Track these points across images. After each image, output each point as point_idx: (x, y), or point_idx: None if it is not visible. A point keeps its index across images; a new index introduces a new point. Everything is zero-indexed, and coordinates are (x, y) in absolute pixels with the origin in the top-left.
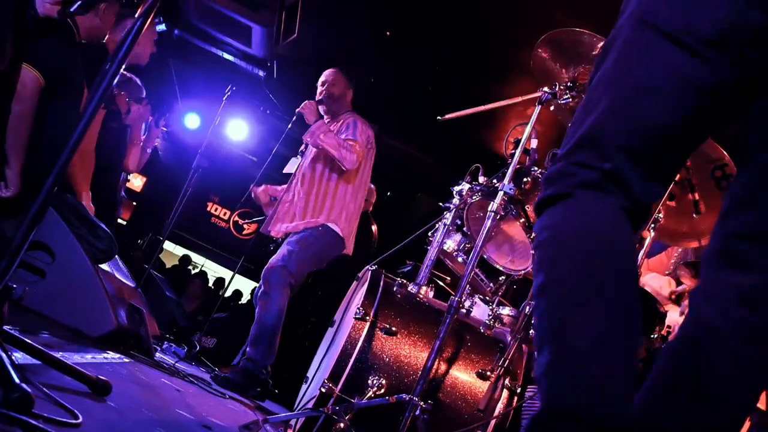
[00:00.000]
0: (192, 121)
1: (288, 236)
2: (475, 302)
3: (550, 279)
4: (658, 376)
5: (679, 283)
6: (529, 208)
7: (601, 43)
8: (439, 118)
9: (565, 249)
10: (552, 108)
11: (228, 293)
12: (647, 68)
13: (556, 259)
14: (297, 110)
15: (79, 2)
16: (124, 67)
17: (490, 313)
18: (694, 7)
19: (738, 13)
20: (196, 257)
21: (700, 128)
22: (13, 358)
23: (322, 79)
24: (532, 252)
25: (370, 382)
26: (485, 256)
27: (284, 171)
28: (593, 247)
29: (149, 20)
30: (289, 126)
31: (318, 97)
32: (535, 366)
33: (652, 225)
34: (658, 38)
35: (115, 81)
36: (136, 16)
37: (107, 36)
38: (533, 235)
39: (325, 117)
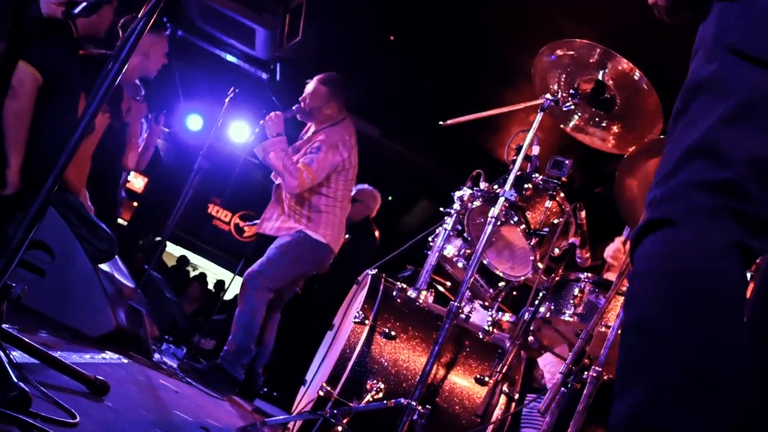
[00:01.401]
0: (194, 122)
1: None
2: (475, 308)
3: (646, 317)
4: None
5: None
6: (530, 215)
7: (598, 50)
8: (441, 123)
9: (668, 289)
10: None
11: (229, 296)
12: None
13: (657, 298)
14: (261, 122)
15: (83, 5)
16: (136, 79)
17: (490, 318)
18: None
19: None
20: (194, 257)
21: None
22: (11, 356)
23: (306, 89)
24: (628, 282)
25: (368, 385)
26: (485, 262)
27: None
28: (699, 297)
29: (161, 33)
30: (252, 136)
31: (300, 106)
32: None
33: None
34: None
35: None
36: (139, 16)
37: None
38: (533, 241)
39: (309, 124)
